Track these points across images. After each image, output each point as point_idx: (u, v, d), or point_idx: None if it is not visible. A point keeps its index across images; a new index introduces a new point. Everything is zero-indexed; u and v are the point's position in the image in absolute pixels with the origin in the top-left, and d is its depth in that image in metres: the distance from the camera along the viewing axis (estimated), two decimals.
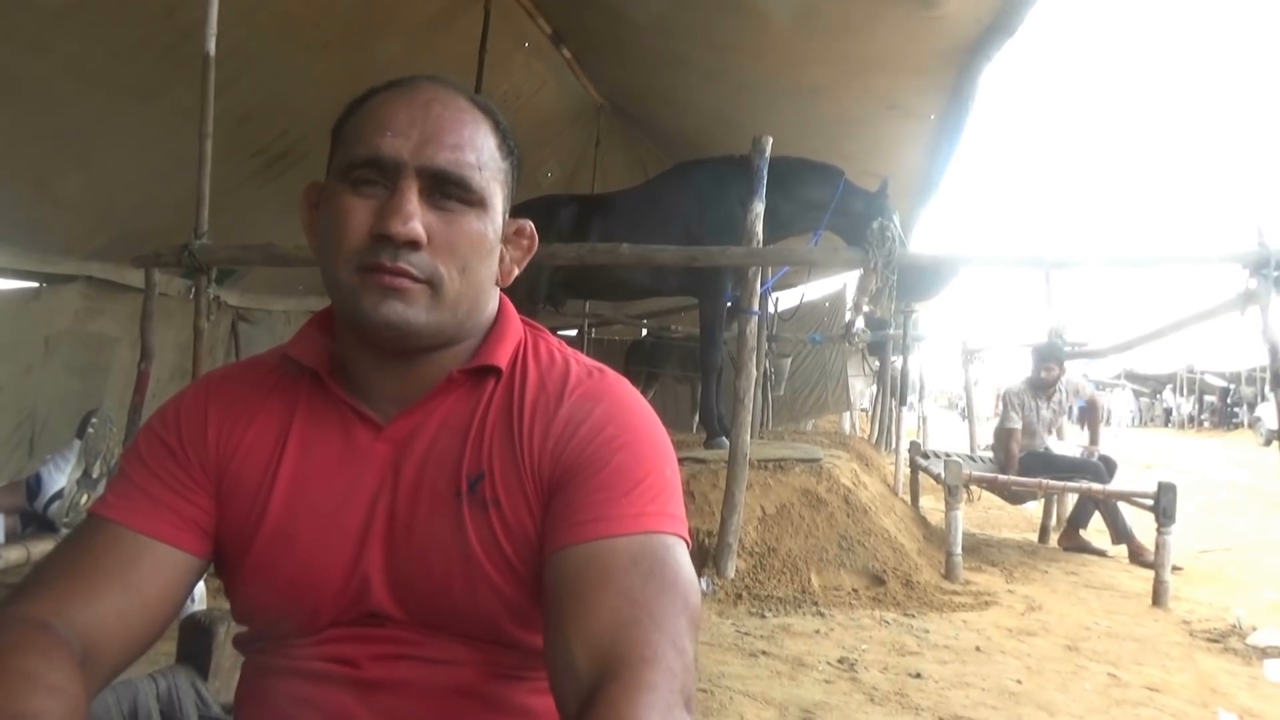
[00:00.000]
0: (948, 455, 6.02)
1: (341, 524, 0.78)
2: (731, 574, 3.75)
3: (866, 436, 9.72)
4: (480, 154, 0.77)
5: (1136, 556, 4.91)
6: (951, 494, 4.45)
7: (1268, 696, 2.86)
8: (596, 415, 0.79)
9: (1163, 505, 4.11)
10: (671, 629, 0.66)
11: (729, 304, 4.83)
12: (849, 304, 8.82)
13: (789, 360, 9.30)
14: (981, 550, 5.13)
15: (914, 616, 3.54)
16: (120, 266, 4.64)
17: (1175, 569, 4.47)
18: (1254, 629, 3.54)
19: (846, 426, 10.95)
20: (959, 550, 4.30)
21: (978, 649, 3.16)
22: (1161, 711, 2.66)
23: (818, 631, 3.26)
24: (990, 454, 5.92)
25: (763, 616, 3.43)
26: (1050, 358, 5.45)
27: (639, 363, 8.77)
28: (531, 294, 4.89)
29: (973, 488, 4.96)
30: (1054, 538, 5.61)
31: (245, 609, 0.83)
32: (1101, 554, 5.17)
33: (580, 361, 0.86)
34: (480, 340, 0.84)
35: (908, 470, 6.67)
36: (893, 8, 3.90)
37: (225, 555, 0.81)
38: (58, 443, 3.69)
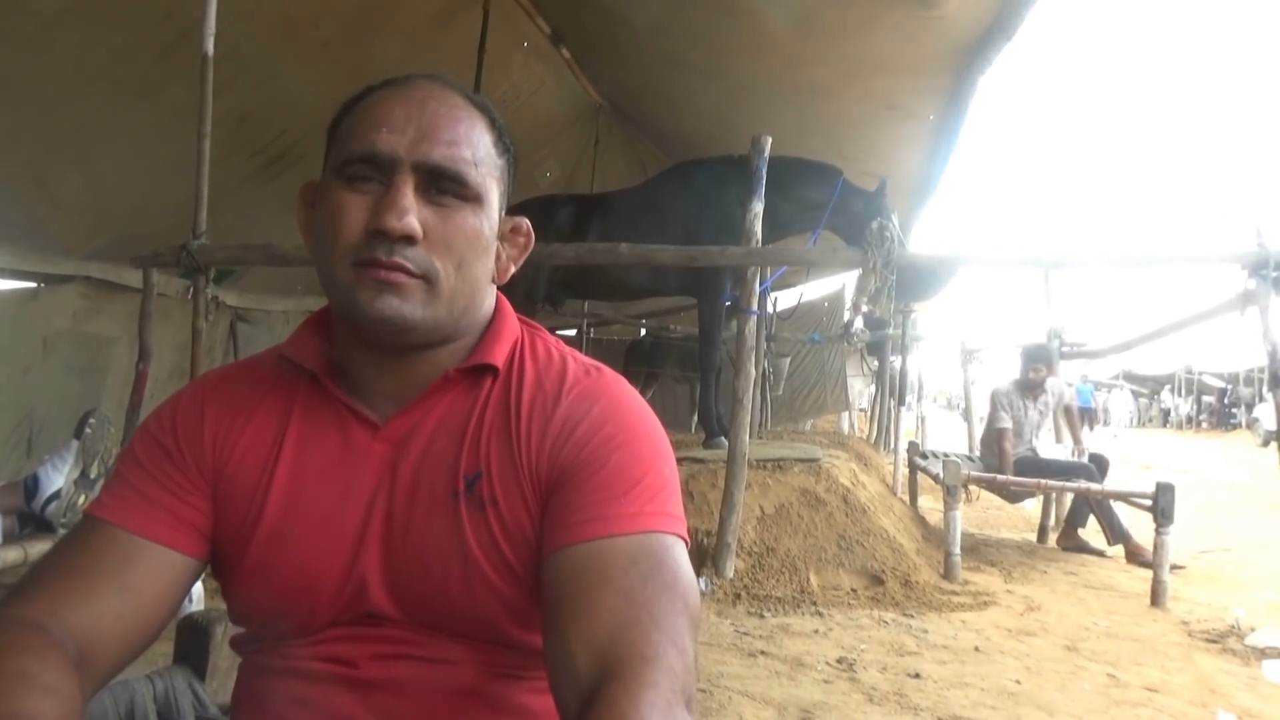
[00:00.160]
0: (946, 455, 6.02)
1: (339, 524, 0.78)
2: (730, 574, 3.75)
3: (865, 436, 9.72)
4: (476, 150, 0.77)
5: (1134, 556, 4.92)
6: (950, 494, 4.45)
7: (1267, 697, 2.85)
8: (594, 414, 0.78)
9: (1161, 506, 4.11)
10: (672, 628, 0.66)
11: (728, 304, 4.84)
12: (848, 304, 8.82)
13: (788, 360, 9.32)
14: (980, 550, 5.13)
15: (913, 616, 3.54)
16: (119, 267, 4.63)
17: (1177, 568, 4.47)
18: (1253, 629, 3.54)
19: (845, 426, 10.96)
20: (958, 550, 4.30)
21: (976, 649, 3.16)
22: (1160, 712, 2.65)
23: (816, 631, 3.26)
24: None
25: (761, 616, 3.43)
26: (1039, 358, 5.51)
27: (638, 362, 8.78)
28: (530, 294, 4.89)
29: (971, 487, 4.96)
30: (1053, 538, 5.61)
31: (242, 610, 0.83)
32: (1100, 554, 5.17)
33: (578, 360, 0.86)
34: (477, 339, 0.84)
35: (906, 470, 6.68)
36: (891, 9, 3.90)
37: (222, 556, 0.81)
38: (55, 443, 3.68)
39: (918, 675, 2.82)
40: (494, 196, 0.80)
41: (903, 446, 7.20)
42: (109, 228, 4.53)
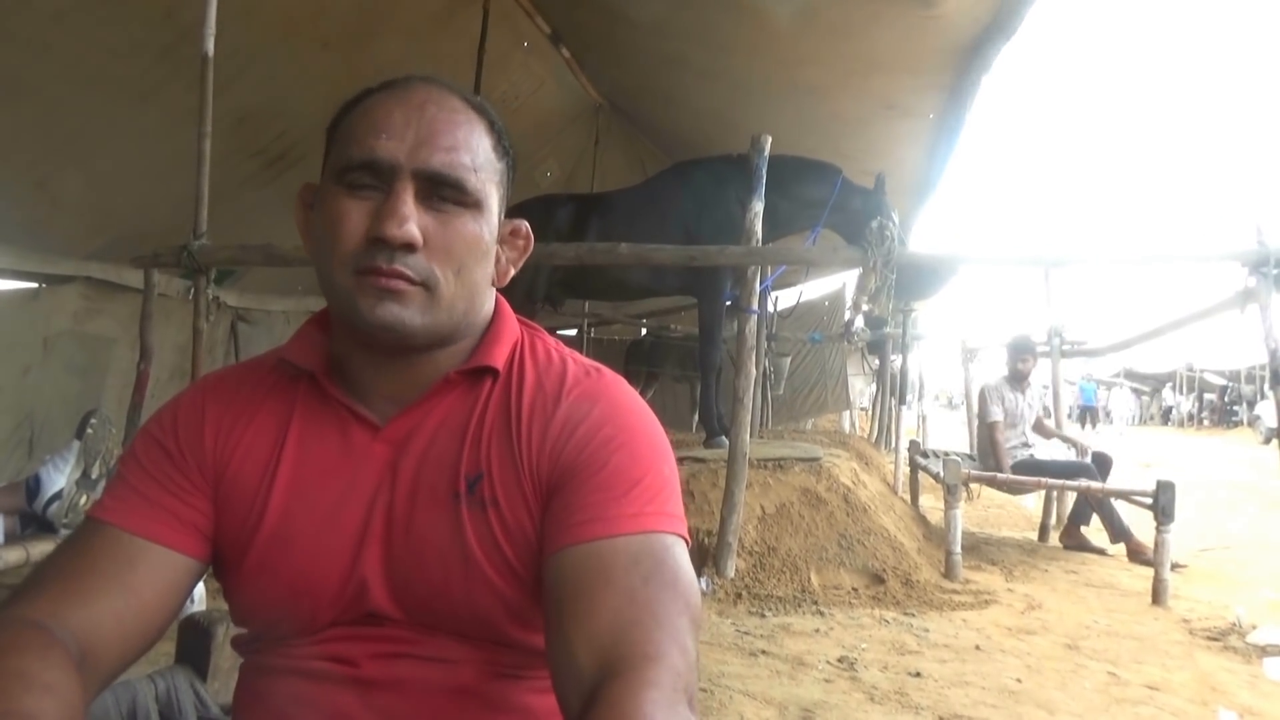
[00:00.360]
0: (947, 454, 6.02)
1: (340, 525, 0.78)
2: (731, 573, 3.75)
3: (866, 435, 9.72)
4: (475, 155, 0.77)
5: (1135, 555, 4.92)
6: (951, 493, 4.45)
7: (1268, 695, 2.85)
8: (594, 415, 0.79)
9: (1162, 504, 4.11)
10: (673, 628, 0.66)
11: (728, 303, 4.84)
12: (848, 303, 8.83)
13: (788, 359, 9.31)
14: (981, 549, 5.14)
15: (914, 615, 3.54)
16: (119, 267, 4.63)
17: (1178, 566, 4.48)
18: (1254, 627, 3.54)
19: (846, 425, 10.95)
20: (959, 549, 4.30)
21: (977, 648, 3.16)
22: (1161, 710, 2.66)
23: (817, 631, 3.26)
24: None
25: (762, 616, 3.43)
26: (1025, 350, 5.60)
27: (638, 362, 8.77)
28: (530, 294, 4.89)
29: (972, 486, 4.97)
30: (1054, 536, 5.61)
31: (244, 611, 0.83)
32: (1102, 552, 5.17)
33: (577, 361, 0.86)
34: (477, 341, 0.84)
35: (907, 469, 6.67)
36: (890, 7, 3.90)
37: (223, 557, 0.81)
38: (57, 443, 3.69)
39: (918, 674, 2.82)
40: (493, 201, 0.80)
41: (903, 445, 7.20)
42: (109, 228, 4.54)
